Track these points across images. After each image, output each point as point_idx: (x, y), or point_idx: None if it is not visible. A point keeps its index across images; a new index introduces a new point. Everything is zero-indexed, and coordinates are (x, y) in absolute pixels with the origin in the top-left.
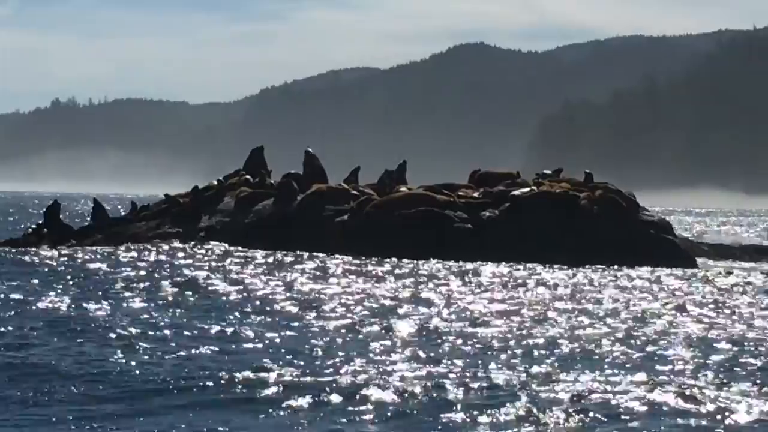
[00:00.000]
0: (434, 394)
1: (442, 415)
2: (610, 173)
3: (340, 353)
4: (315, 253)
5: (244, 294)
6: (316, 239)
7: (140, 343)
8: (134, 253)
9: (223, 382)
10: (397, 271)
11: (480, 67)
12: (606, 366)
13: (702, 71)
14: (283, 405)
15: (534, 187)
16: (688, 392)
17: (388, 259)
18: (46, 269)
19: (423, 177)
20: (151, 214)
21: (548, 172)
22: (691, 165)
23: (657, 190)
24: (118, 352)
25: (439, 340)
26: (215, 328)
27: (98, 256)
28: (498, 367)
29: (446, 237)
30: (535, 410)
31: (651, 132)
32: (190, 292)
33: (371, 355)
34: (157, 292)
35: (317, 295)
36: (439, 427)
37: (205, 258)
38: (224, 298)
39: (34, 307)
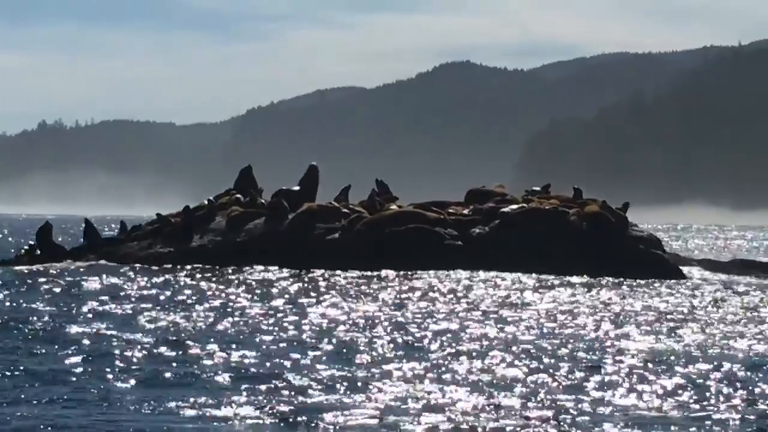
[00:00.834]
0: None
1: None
2: (598, 190)
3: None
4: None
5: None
6: (307, 257)
7: None
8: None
9: None
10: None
11: (466, 86)
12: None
13: (688, 87)
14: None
15: (524, 204)
16: None
17: (378, 275)
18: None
19: (410, 195)
20: (143, 234)
21: (537, 188)
22: (678, 181)
23: (645, 206)
24: None
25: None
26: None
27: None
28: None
29: (436, 254)
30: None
31: (638, 148)
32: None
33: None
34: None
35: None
36: None
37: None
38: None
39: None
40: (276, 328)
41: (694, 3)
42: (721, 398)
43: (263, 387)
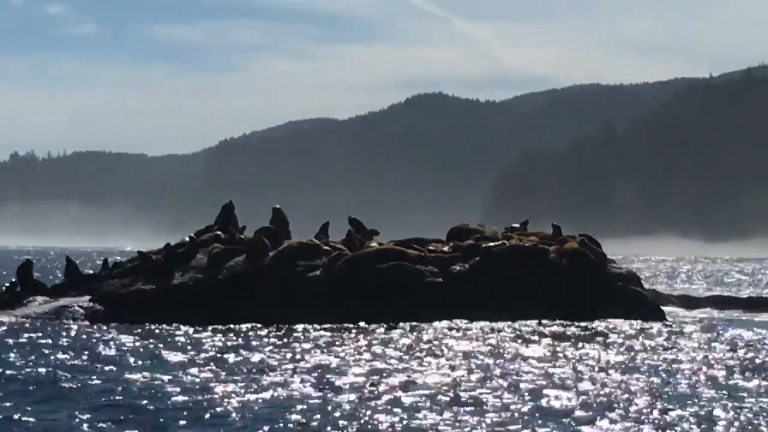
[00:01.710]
0: None
1: None
2: (570, 221)
3: None
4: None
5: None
6: (288, 299)
7: None
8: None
9: None
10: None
11: (438, 117)
12: None
13: (659, 119)
14: None
15: (504, 241)
16: None
17: (358, 324)
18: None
19: (384, 226)
20: (124, 271)
21: (516, 225)
22: (650, 212)
23: (617, 238)
24: None
25: None
26: None
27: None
28: None
29: (417, 292)
30: None
31: (610, 180)
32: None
33: None
34: None
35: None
36: None
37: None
38: None
39: None
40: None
41: (665, 35)
42: None
43: None
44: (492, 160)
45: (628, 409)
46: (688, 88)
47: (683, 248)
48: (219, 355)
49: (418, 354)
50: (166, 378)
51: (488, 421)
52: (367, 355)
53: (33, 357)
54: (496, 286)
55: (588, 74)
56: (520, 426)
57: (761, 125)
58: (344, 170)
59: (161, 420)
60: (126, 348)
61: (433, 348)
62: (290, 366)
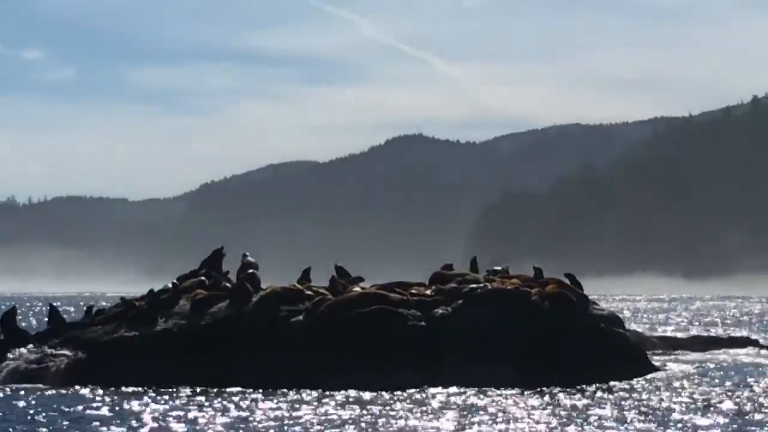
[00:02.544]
0: None
1: None
2: (552, 261)
3: None
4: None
5: None
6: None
7: None
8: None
9: None
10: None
11: (419, 158)
12: None
13: (640, 158)
14: None
15: (486, 284)
16: None
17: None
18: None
19: (365, 269)
20: (107, 318)
21: (498, 268)
22: (631, 251)
23: (598, 277)
24: None
25: None
26: None
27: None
28: None
29: (401, 336)
30: None
31: (591, 219)
32: None
33: None
34: None
35: None
36: None
37: None
38: None
39: None
40: None
41: (644, 74)
42: None
43: None
44: (473, 201)
45: None
46: (668, 126)
47: (664, 286)
48: None
49: None
50: None
51: None
52: None
53: None
54: (478, 328)
55: (568, 114)
56: None
57: (741, 163)
58: (325, 212)
59: None
60: None
61: None
62: None
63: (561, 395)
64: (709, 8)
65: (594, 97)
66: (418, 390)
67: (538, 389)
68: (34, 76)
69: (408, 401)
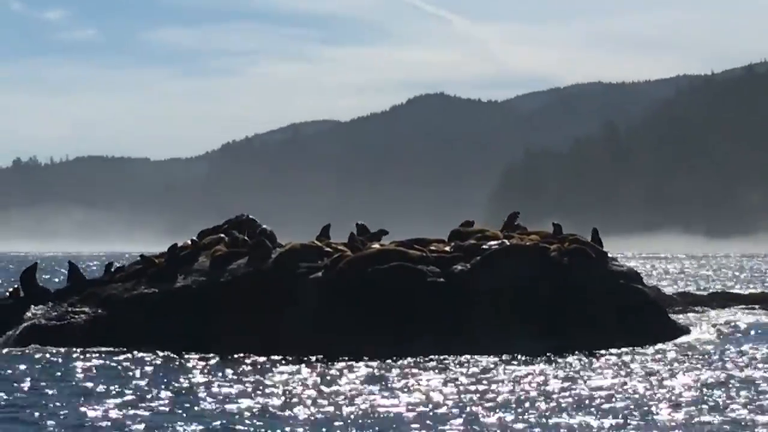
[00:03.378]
0: None
1: None
2: (573, 220)
3: None
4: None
5: None
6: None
7: None
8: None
9: None
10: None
11: (440, 117)
12: None
13: (661, 117)
14: None
15: (504, 240)
16: None
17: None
18: None
19: (388, 227)
20: (126, 275)
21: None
22: (653, 210)
23: (620, 235)
24: None
25: None
26: None
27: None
28: None
29: (420, 293)
30: None
31: (612, 178)
32: None
33: None
34: None
35: None
36: None
37: None
38: None
39: None
40: None
41: (666, 33)
42: None
43: None
44: (495, 160)
45: None
46: (690, 85)
47: (686, 245)
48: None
49: None
50: None
51: None
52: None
53: None
54: (496, 286)
55: (590, 72)
56: None
57: (763, 121)
58: (347, 171)
59: None
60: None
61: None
62: None
63: (571, 359)
64: None
65: (615, 55)
66: (433, 354)
67: (554, 351)
68: (55, 36)
69: (423, 362)
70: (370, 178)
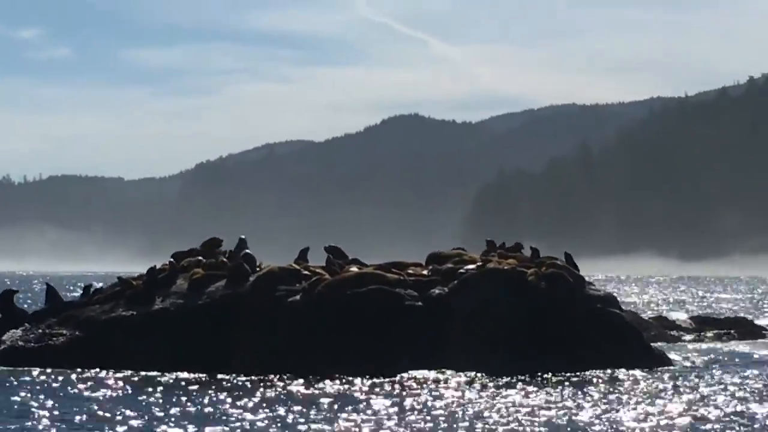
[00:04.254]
0: None
1: None
2: (547, 242)
3: None
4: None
5: None
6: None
7: None
8: None
9: None
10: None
11: (415, 138)
12: None
13: (635, 138)
14: None
15: (481, 264)
16: None
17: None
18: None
19: (362, 248)
20: (105, 297)
21: (489, 239)
22: (626, 232)
23: (594, 257)
24: None
25: None
26: None
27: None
28: None
29: (398, 316)
30: None
31: (587, 199)
32: None
33: None
34: None
35: None
36: None
37: None
38: None
39: None
40: None
41: (640, 55)
42: None
43: None
44: (469, 181)
45: None
46: (664, 107)
47: (660, 267)
48: None
49: None
50: None
51: None
52: None
53: None
54: (474, 310)
55: (564, 94)
56: None
57: (737, 144)
58: (321, 191)
59: None
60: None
61: None
62: None
63: (547, 384)
64: None
65: (590, 77)
66: (411, 371)
67: (530, 373)
68: (30, 55)
69: (401, 383)
70: (345, 199)
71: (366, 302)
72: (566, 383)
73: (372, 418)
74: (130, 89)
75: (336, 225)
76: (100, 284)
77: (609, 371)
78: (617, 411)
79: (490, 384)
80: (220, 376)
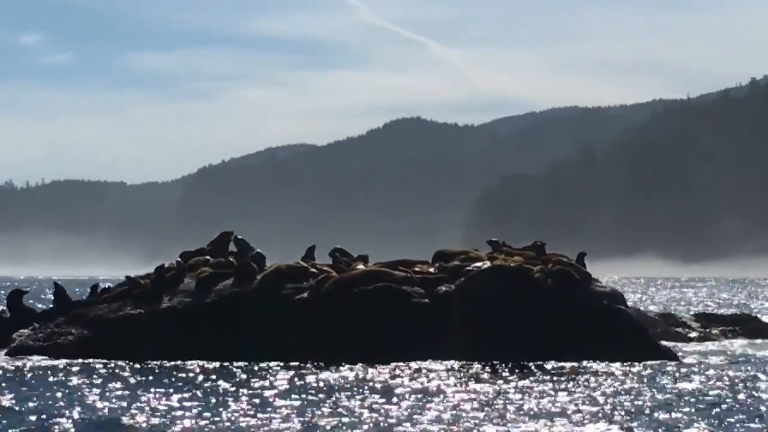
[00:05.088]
0: None
1: None
2: (549, 245)
3: None
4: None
5: None
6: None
7: None
8: None
9: None
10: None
11: (417, 142)
12: None
13: (637, 141)
14: None
15: (488, 262)
16: None
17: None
18: None
19: (365, 252)
20: (112, 296)
21: (495, 239)
22: (628, 234)
23: (596, 259)
24: None
25: None
26: None
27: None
28: None
29: (405, 314)
30: None
31: (588, 202)
32: None
33: None
34: None
35: None
36: None
37: None
38: None
39: None
40: None
41: (642, 57)
42: None
43: None
44: (471, 184)
45: None
46: (666, 109)
47: (662, 269)
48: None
49: None
50: None
51: None
52: None
53: None
54: (480, 308)
55: (565, 97)
56: None
57: (739, 146)
58: (323, 195)
59: None
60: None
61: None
62: None
63: (552, 378)
64: None
65: (591, 80)
66: (418, 366)
67: (537, 366)
68: (31, 60)
69: (408, 378)
70: (347, 203)
71: (373, 299)
72: (573, 376)
73: (385, 403)
74: (131, 94)
75: (338, 229)
76: (108, 284)
77: (616, 365)
78: (623, 403)
79: (498, 375)
80: (227, 368)
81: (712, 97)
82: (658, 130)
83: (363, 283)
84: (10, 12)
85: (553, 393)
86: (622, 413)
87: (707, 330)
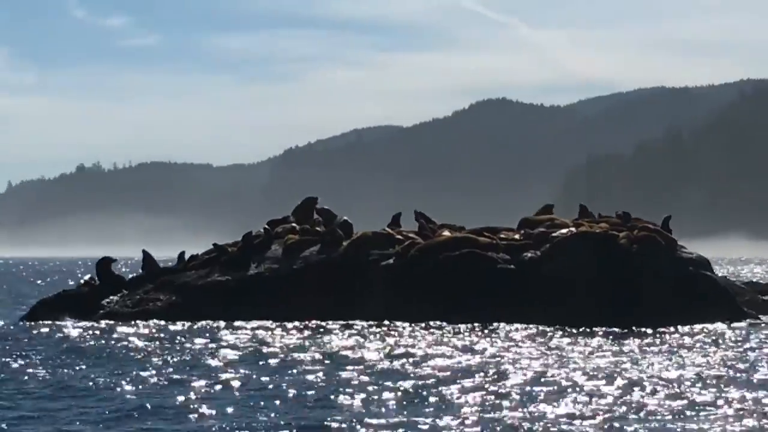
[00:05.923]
0: None
1: None
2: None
3: None
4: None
5: None
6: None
7: None
8: None
9: None
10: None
11: (502, 123)
12: None
13: (725, 121)
14: None
15: (573, 228)
16: None
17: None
18: None
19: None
20: (200, 263)
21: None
22: (716, 215)
23: (682, 240)
24: None
25: None
26: None
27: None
28: None
29: (490, 279)
30: None
31: (676, 183)
32: None
33: None
34: None
35: None
36: None
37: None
38: None
39: None
40: None
41: (729, 36)
42: None
43: None
44: (557, 165)
45: None
46: (754, 88)
47: (751, 250)
48: None
49: None
50: None
51: None
52: None
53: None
54: (566, 274)
55: (652, 77)
56: None
57: None
58: (409, 177)
59: None
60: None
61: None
62: None
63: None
64: None
65: (678, 59)
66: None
67: (621, 330)
68: (117, 43)
69: (489, 336)
70: (432, 184)
71: (459, 265)
72: (658, 338)
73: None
74: (217, 76)
75: (424, 209)
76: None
77: (702, 326)
78: (712, 364)
79: (584, 337)
80: (323, 326)
81: None
82: (746, 110)
83: (448, 249)
84: None
85: (642, 358)
86: (724, 373)
87: None
